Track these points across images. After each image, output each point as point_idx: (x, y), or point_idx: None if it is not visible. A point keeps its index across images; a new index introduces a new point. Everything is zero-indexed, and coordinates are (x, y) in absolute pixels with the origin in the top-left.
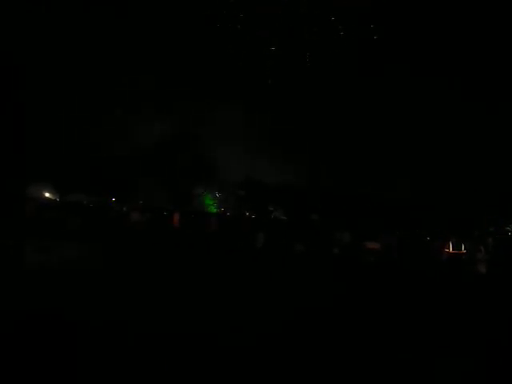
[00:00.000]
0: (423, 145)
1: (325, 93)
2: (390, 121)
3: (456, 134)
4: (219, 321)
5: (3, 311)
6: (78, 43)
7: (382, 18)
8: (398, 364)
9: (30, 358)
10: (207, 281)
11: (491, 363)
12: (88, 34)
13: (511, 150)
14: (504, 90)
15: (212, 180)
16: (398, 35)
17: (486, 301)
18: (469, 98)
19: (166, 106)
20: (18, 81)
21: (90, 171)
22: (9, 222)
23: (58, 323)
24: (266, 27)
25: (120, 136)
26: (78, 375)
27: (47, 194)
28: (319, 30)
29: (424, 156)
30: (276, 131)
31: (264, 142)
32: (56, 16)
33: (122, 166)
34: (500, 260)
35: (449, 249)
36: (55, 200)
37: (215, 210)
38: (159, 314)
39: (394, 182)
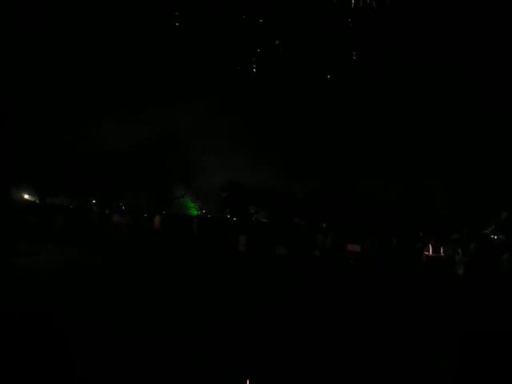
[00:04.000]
0: (404, 150)
1: (305, 96)
2: (369, 125)
3: (437, 139)
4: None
5: None
6: (57, 44)
7: (380, 17)
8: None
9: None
10: (192, 282)
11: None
12: (62, 37)
13: (491, 156)
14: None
15: (193, 182)
16: (388, 36)
17: (465, 301)
18: (450, 103)
19: (147, 109)
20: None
21: (70, 173)
22: None
23: (49, 325)
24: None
25: (100, 138)
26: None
27: (27, 196)
28: (303, 31)
29: (405, 160)
30: (257, 134)
31: (245, 144)
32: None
33: (102, 168)
34: (478, 262)
35: (428, 252)
36: (35, 202)
37: (196, 213)
38: (150, 314)
39: (374, 186)
